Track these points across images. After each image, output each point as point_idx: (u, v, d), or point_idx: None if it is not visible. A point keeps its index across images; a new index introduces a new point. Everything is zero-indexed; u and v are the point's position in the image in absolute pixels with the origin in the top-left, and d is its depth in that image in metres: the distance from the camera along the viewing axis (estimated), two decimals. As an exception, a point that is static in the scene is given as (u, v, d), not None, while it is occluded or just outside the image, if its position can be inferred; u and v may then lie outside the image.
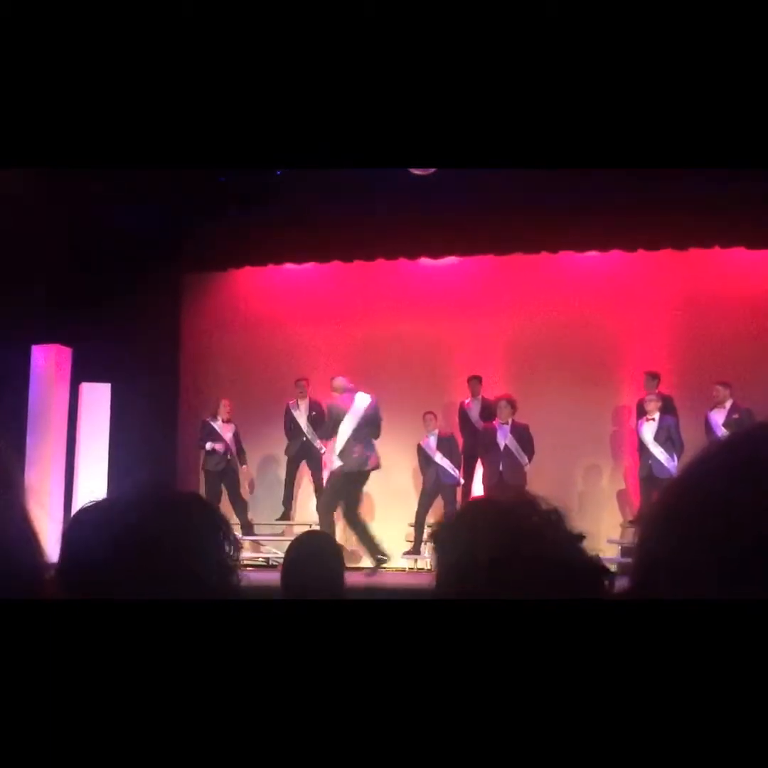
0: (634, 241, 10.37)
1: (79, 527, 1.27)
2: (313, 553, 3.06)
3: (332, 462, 8.60)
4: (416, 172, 9.38)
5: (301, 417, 10.54)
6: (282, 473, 10.89)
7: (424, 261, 10.98)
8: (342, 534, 8.89)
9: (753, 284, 10.42)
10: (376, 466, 8.56)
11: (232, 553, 1.33)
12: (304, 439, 10.53)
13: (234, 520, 10.15)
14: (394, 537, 9.71)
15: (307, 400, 10.58)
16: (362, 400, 8.61)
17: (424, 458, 10.09)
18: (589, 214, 9.91)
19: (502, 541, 1.05)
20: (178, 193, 9.62)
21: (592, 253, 10.71)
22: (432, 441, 10.11)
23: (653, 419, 9.45)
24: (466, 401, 10.41)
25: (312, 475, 10.61)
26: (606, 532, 9.63)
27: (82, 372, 9.37)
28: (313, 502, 10.37)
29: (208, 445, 10.35)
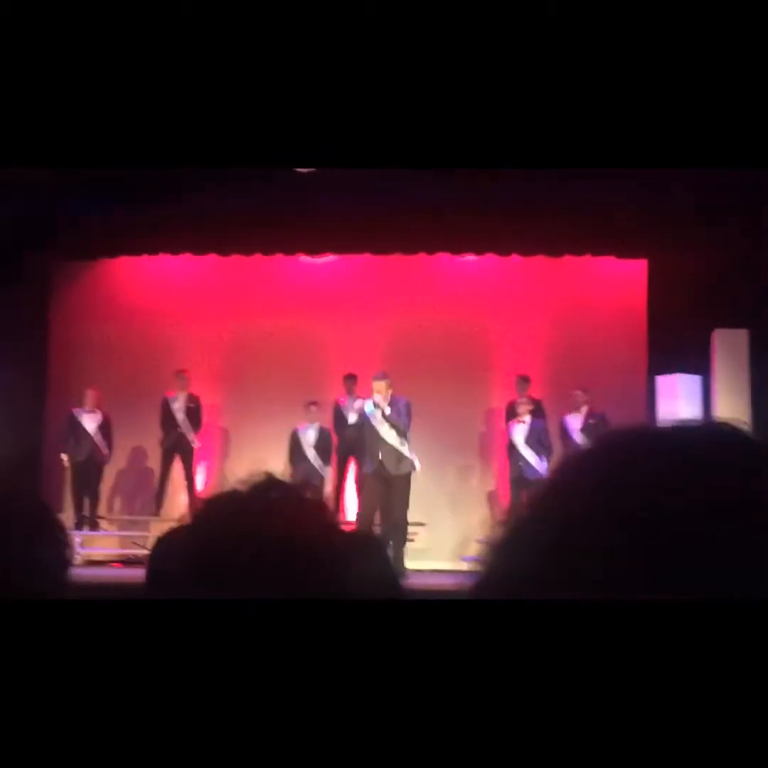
0: (508, 246, 10.63)
1: None
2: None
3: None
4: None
5: (179, 410, 10.49)
6: (153, 466, 10.87)
7: (303, 258, 11.05)
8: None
9: (620, 293, 10.82)
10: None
11: (61, 550, 1.32)
12: (179, 431, 10.48)
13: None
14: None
15: (186, 393, 10.54)
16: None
17: (297, 449, 10.09)
18: (466, 217, 10.04)
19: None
20: (49, 177, 9.35)
21: (469, 257, 10.95)
22: (311, 434, 10.14)
23: (524, 422, 9.68)
24: (341, 399, 10.51)
25: (184, 469, 10.58)
26: (476, 532, 9.79)
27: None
28: (183, 497, 10.37)
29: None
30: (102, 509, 10.65)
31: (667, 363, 9.79)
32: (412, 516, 9.83)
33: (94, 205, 9.91)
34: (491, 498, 10.69)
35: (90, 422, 10.42)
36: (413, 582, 7.84)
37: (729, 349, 9.65)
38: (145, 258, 11.08)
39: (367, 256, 10.88)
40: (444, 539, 9.75)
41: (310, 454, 10.13)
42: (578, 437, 9.77)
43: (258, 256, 10.84)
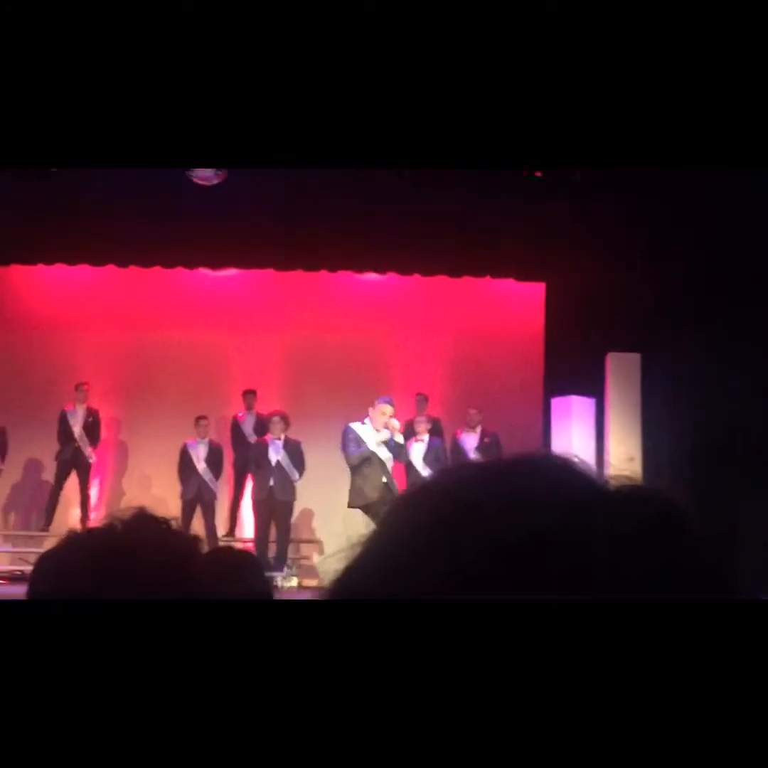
0: (410, 266, 10.78)
1: None
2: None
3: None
4: (198, 180, 9.43)
5: (77, 424, 10.38)
6: (48, 479, 10.69)
7: (204, 271, 11.03)
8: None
9: (518, 315, 11.08)
10: None
11: None
12: (76, 445, 10.36)
13: None
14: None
15: (85, 407, 10.43)
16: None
17: (186, 464, 10.04)
18: (368, 235, 10.19)
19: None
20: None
21: (370, 275, 11.08)
22: (201, 449, 10.11)
23: (422, 440, 9.71)
24: (240, 414, 10.52)
25: (79, 484, 10.46)
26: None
27: None
28: (76, 511, 10.27)
29: None
30: None
31: (562, 385, 10.02)
32: (305, 534, 10.15)
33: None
34: None
35: None
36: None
37: (622, 372, 9.97)
38: (40, 267, 10.98)
39: (269, 272, 10.90)
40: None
41: (201, 467, 10.08)
42: (473, 456, 9.86)
43: (157, 269, 10.80)
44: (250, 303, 11.05)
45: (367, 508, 8.24)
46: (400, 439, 8.44)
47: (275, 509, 9.48)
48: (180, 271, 10.92)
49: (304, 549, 10.34)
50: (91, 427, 10.41)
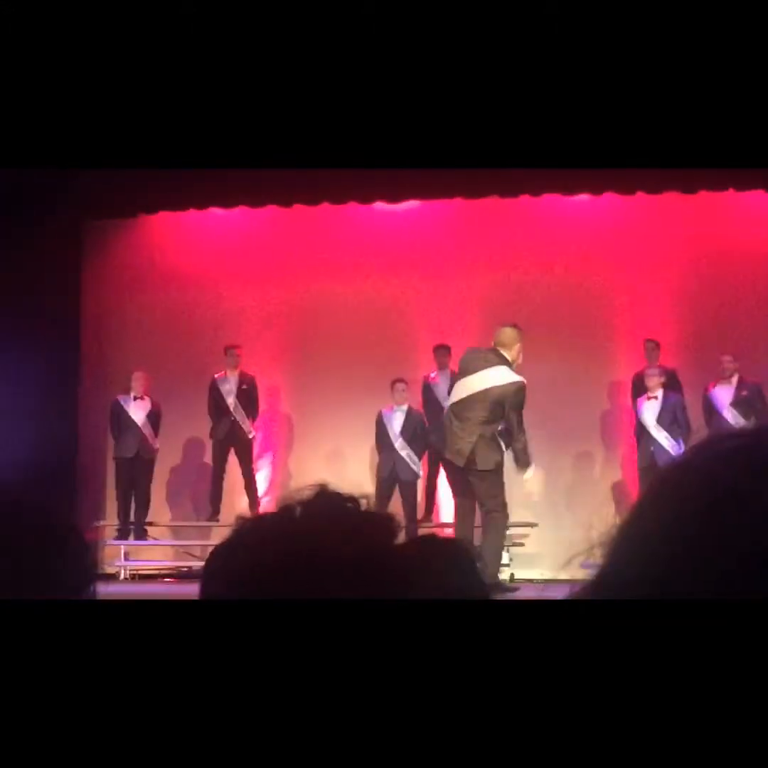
0: (632, 182, 9.77)
1: None
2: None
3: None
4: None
5: (230, 393, 9.84)
6: (210, 462, 10.17)
7: (379, 206, 10.46)
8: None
9: None
10: None
11: (77, 564, 1.36)
12: (232, 419, 9.81)
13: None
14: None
15: (237, 373, 9.93)
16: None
17: (383, 437, 9.54)
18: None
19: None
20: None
21: (582, 197, 10.24)
22: (397, 419, 9.50)
23: (655, 397, 9.07)
24: (432, 375, 9.91)
25: (241, 465, 9.89)
26: (597, 533, 8.85)
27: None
28: (244, 499, 9.82)
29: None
30: (153, 514, 10.02)
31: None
32: (519, 515, 9.36)
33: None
34: (617, 491, 9.95)
35: (138, 411, 9.77)
36: (518, 596, 7.04)
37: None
38: (191, 213, 10.54)
39: (457, 201, 10.22)
40: (559, 543, 9.24)
41: (397, 442, 9.46)
42: (729, 414, 8.97)
43: (325, 206, 10.20)
44: (436, 240, 10.42)
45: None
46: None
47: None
48: (352, 207, 10.35)
49: (516, 534, 9.47)
50: (247, 396, 9.85)
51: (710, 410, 9.12)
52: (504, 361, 7.06)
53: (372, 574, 0.99)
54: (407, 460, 9.44)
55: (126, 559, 9.45)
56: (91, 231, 10.54)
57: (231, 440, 9.81)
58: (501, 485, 7.25)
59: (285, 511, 1.07)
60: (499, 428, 7.21)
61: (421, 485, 9.65)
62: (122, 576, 9.27)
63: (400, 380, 9.53)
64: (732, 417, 8.84)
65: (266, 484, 10.09)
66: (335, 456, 10.16)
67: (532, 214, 10.26)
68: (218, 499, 9.76)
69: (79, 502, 9.65)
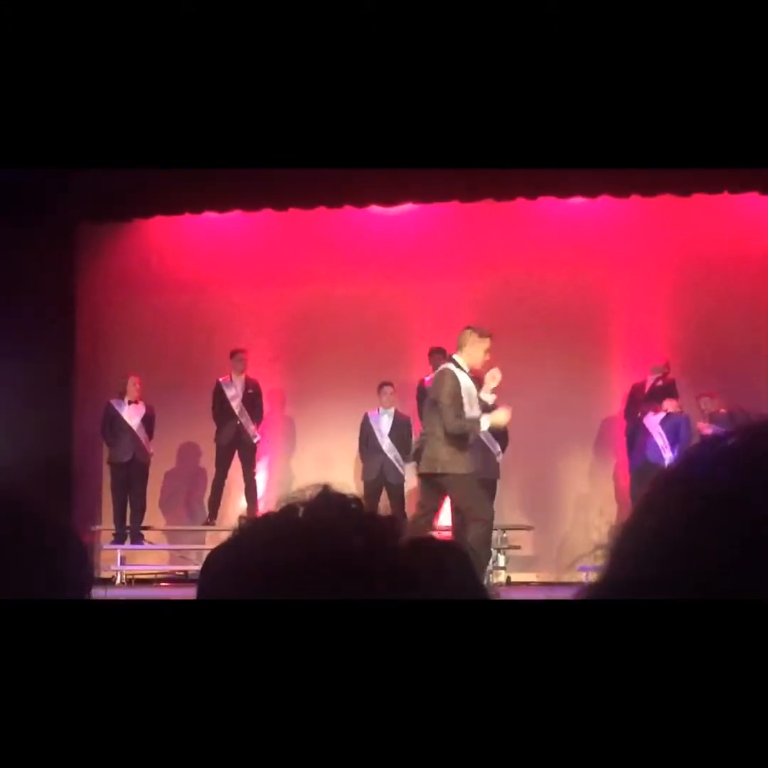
0: (626, 185, 9.73)
1: None
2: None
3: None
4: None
5: (235, 397, 9.84)
6: (206, 466, 10.18)
7: (375, 209, 10.43)
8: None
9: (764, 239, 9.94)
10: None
11: (76, 568, 1.36)
12: (238, 423, 9.78)
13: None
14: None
15: (242, 377, 9.91)
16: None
17: (369, 439, 9.55)
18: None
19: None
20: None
21: (577, 200, 10.17)
22: (385, 422, 9.51)
23: (665, 410, 9.04)
24: (427, 378, 9.53)
25: (243, 468, 9.86)
26: (594, 536, 8.84)
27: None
28: (241, 501, 9.81)
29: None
30: (147, 519, 9.99)
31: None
32: (514, 518, 9.44)
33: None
34: (612, 495, 10.00)
35: (133, 416, 9.75)
36: (517, 596, 7.02)
37: None
38: (187, 217, 10.49)
39: (453, 204, 10.12)
40: (554, 546, 9.42)
41: (385, 444, 9.48)
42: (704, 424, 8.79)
43: (321, 209, 10.20)
44: (431, 243, 10.36)
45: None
46: (488, 399, 6.97)
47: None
48: (348, 211, 10.31)
49: (512, 537, 9.42)
50: (252, 401, 9.86)
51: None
52: (450, 362, 6.82)
53: (375, 575, 0.99)
54: (394, 462, 9.43)
55: (122, 563, 9.44)
56: (86, 234, 10.48)
57: (236, 444, 9.80)
58: (475, 496, 6.86)
59: (287, 511, 1.06)
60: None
61: (408, 489, 9.56)
62: (118, 581, 9.26)
63: (387, 383, 9.54)
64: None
65: (264, 486, 10.05)
66: (329, 459, 10.14)
67: (528, 218, 10.22)
68: (217, 504, 9.76)
69: (74, 506, 9.59)
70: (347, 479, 9.57)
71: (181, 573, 9.60)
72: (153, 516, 10.09)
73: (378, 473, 9.37)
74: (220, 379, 9.89)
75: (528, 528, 9.53)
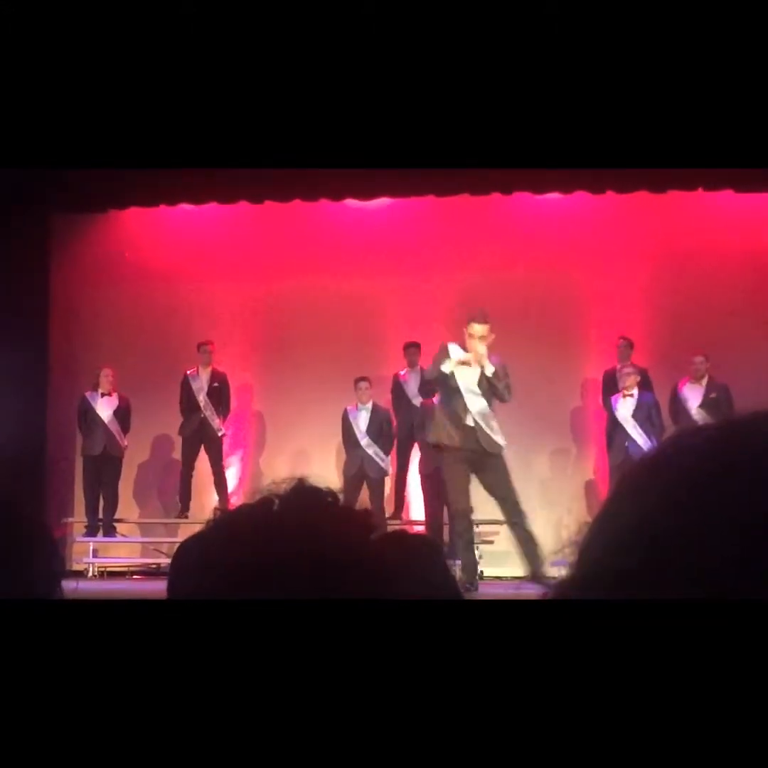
0: (602, 181, 9.77)
1: None
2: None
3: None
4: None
5: (201, 390, 9.77)
6: (180, 458, 10.08)
7: (351, 202, 10.38)
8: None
9: (742, 234, 9.97)
10: None
11: (48, 563, 1.37)
12: (202, 416, 9.73)
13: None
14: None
15: (209, 370, 9.86)
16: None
17: (349, 435, 9.51)
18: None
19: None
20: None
21: (553, 195, 10.16)
22: (363, 418, 9.48)
23: (631, 395, 9.04)
24: (402, 373, 9.82)
25: (211, 462, 9.83)
26: (569, 530, 8.84)
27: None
28: (214, 496, 9.76)
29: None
30: (121, 510, 9.97)
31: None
32: (488, 512, 9.26)
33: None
34: (589, 489, 10.02)
35: (105, 408, 9.71)
36: (488, 593, 7.06)
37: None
38: (162, 209, 10.46)
39: (429, 199, 10.14)
40: None
41: (364, 440, 9.44)
42: (698, 415, 8.91)
43: (297, 202, 10.14)
44: (407, 238, 10.32)
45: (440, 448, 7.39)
46: (489, 371, 7.30)
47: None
48: (323, 205, 10.27)
49: (485, 532, 9.45)
50: (218, 394, 9.78)
51: (678, 410, 9.07)
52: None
53: (349, 569, 0.98)
54: (374, 457, 9.39)
55: (94, 556, 9.42)
56: (60, 225, 10.39)
57: (200, 437, 9.74)
58: (455, 489, 7.16)
59: (262, 503, 1.04)
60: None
61: (389, 482, 9.59)
62: (90, 573, 9.22)
63: (363, 378, 9.49)
64: (700, 418, 8.67)
65: (236, 481, 10.03)
66: (304, 454, 10.11)
67: (503, 212, 10.21)
68: (187, 496, 9.70)
69: (47, 498, 9.55)
70: (324, 473, 9.57)
71: (154, 566, 9.56)
72: (127, 508, 10.05)
73: (358, 468, 9.35)
74: (188, 372, 9.82)
75: (501, 522, 9.54)
